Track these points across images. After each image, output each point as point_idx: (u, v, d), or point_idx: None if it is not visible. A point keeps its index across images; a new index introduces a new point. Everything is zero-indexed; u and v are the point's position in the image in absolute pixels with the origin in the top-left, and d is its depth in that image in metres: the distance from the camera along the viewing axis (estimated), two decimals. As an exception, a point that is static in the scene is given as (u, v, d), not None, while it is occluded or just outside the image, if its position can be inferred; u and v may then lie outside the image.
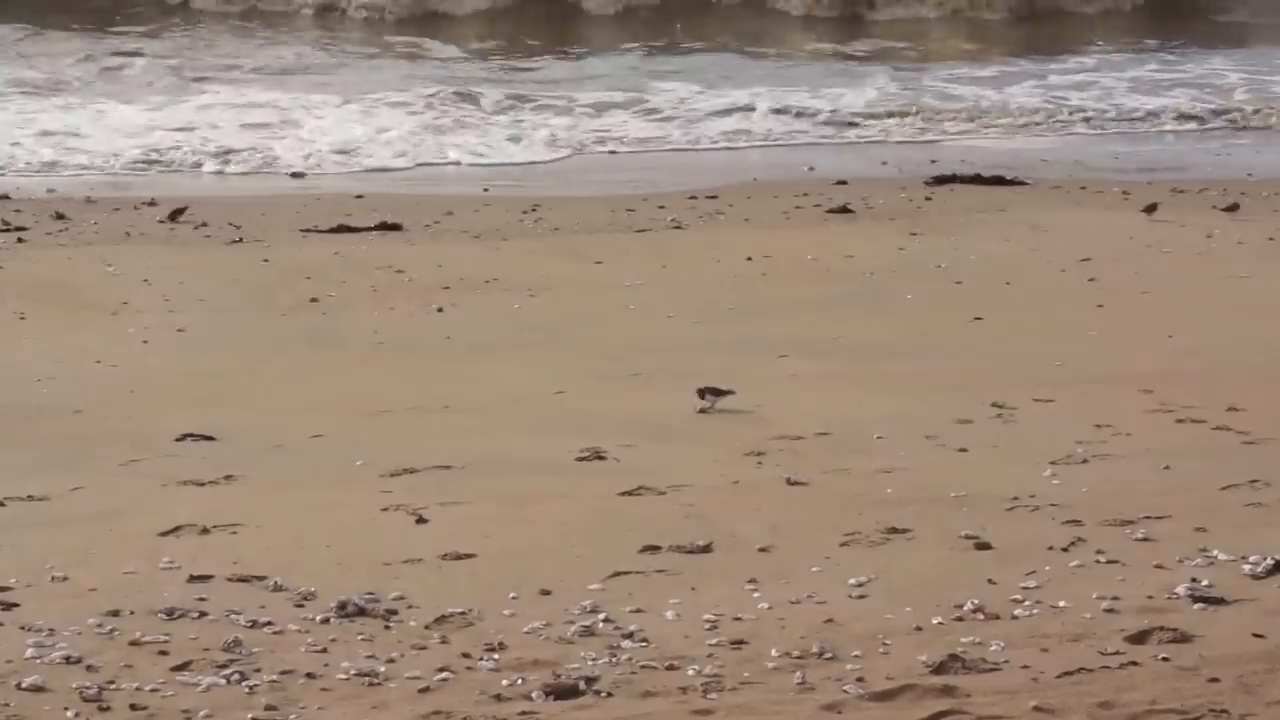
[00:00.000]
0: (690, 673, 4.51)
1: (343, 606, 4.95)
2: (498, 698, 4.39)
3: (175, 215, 12.17)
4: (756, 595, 5.06)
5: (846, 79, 17.17)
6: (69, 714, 4.31)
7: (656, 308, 9.78)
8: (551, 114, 15.65)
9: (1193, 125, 16.02)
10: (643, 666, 4.56)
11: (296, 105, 15.47)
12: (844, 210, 12.63)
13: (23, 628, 4.81)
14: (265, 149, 14.31)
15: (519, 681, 4.46)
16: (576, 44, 19.19)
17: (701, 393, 7.43)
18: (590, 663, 4.58)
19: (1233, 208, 12.72)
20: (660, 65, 17.77)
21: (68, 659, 4.60)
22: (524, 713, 4.33)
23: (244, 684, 4.45)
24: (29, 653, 4.63)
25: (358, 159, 14.31)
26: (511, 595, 5.08)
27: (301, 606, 5.00)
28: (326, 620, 4.89)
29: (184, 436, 7.15)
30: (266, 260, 10.95)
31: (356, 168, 14.15)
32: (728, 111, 15.88)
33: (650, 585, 5.17)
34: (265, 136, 14.64)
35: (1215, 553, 5.34)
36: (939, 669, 4.49)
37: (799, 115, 15.79)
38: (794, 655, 4.59)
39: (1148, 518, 5.72)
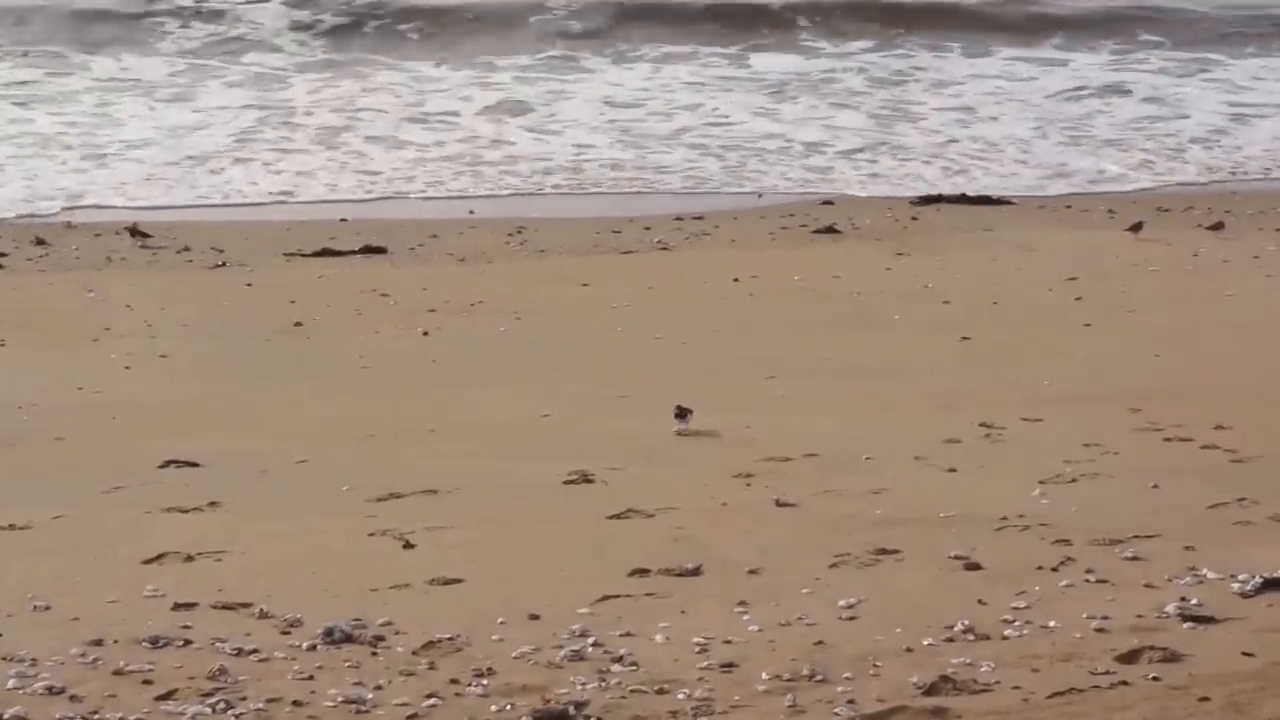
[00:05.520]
0: (680, 696, 4.48)
1: (329, 633, 4.91)
2: (486, 724, 4.36)
3: (136, 233, 12.19)
4: (746, 618, 5.03)
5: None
6: (52, 745, 4.28)
7: (643, 329, 9.77)
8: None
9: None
10: (632, 690, 4.53)
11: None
12: (830, 230, 12.64)
13: (4, 658, 4.76)
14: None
15: (508, 707, 4.42)
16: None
17: (680, 413, 7.43)
18: (580, 687, 4.55)
19: (1218, 226, 12.75)
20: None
21: (50, 689, 4.55)
22: (513, 739, 4.29)
23: (230, 712, 4.41)
24: (11, 683, 4.58)
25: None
26: (500, 620, 5.05)
27: (287, 634, 4.96)
28: (313, 647, 4.85)
29: (167, 463, 7.10)
30: (250, 284, 10.93)
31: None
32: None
33: (639, 609, 5.14)
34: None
35: (1204, 571, 5.33)
36: (930, 690, 4.47)
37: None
38: (784, 678, 4.56)
39: (1137, 537, 5.70)
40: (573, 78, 18.86)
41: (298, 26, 20.40)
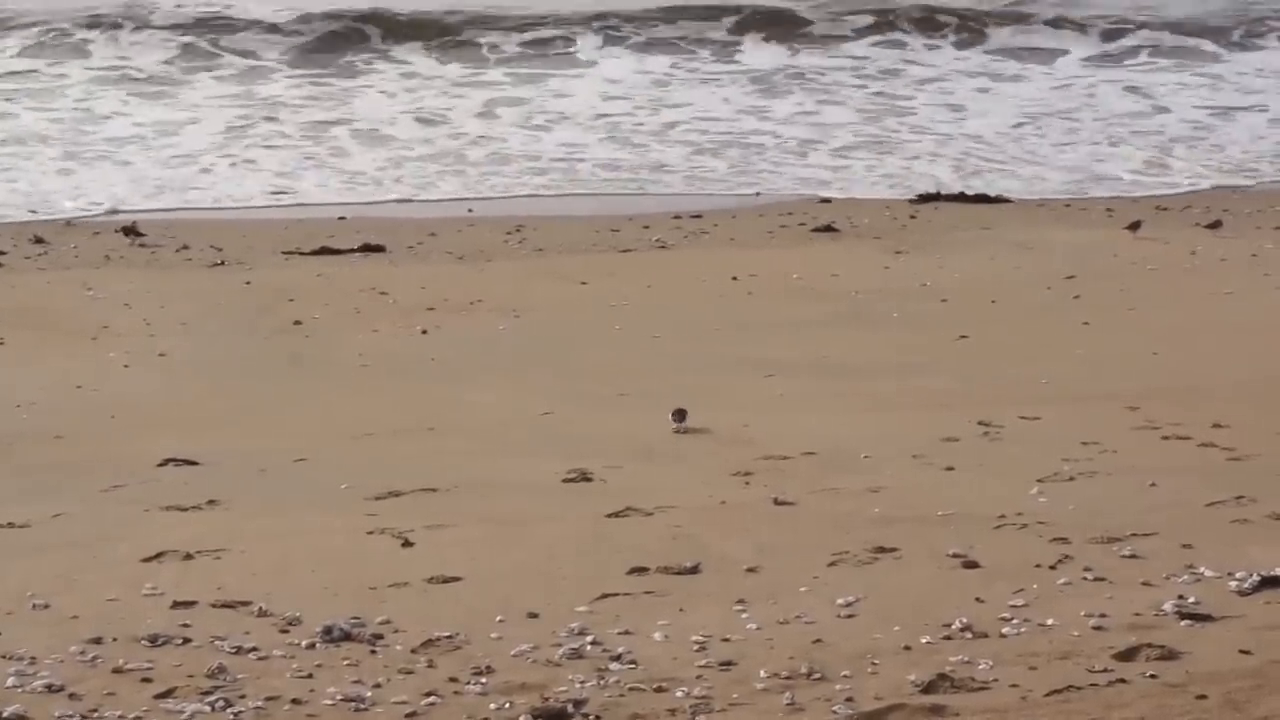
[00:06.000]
0: (679, 694, 4.48)
1: (328, 631, 4.92)
2: (485, 722, 4.36)
3: (129, 231, 12.20)
4: (745, 616, 5.04)
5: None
6: (52, 743, 4.28)
7: (642, 328, 9.78)
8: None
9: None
10: (631, 689, 4.54)
11: None
12: (828, 229, 12.65)
13: (4, 656, 4.77)
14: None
15: (507, 705, 4.43)
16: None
17: (677, 416, 7.44)
18: (578, 685, 4.55)
19: (1215, 224, 12.76)
20: None
21: (50, 687, 4.56)
22: (511, 737, 4.30)
23: (228, 711, 4.42)
24: (10, 681, 4.59)
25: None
26: (499, 618, 5.05)
27: (286, 632, 4.97)
28: (312, 645, 4.86)
29: (166, 461, 7.11)
30: (248, 283, 10.93)
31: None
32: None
33: (638, 607, 5.15)
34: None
35: (1202, 569, 5.33)
36: (928, 688, 4.47)
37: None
38: (783, 676, 4.57)
39: (1134, 535, 5.71)
40: (574, 72, 18.87)
41: (289, 17, 20.39)
